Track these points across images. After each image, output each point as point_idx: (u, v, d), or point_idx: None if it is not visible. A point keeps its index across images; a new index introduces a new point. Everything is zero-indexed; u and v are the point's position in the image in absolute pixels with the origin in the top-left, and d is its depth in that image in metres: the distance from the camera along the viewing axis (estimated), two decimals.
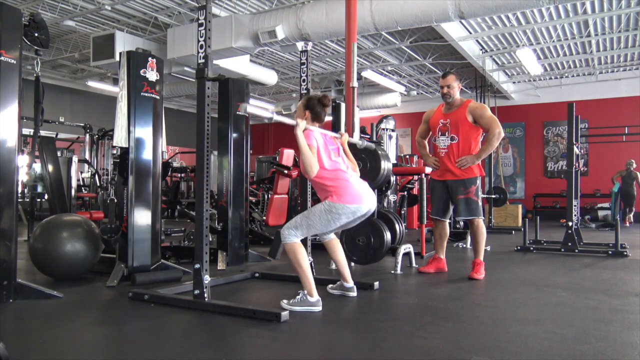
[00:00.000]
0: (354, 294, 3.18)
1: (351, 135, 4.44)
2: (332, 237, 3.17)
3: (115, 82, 7.99)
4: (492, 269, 4.34)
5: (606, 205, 11.08)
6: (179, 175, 10.84)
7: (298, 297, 2.83)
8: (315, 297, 2.82)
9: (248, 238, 4.72)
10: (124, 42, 7.67)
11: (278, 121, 2.77)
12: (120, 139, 3.62)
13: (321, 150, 2.92)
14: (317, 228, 2.92)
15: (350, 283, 3.21)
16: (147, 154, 3.72)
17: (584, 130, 10.08)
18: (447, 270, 4.22)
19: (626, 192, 10.24)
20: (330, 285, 3.31)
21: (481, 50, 9.71)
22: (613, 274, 4.16)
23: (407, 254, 4.44)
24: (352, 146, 3.43)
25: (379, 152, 4.08)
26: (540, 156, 12.61)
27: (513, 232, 8.22)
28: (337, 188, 2.87)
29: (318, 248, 3.54)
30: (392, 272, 4.14)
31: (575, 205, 5.64)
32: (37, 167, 6.63)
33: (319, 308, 2.80)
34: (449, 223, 4.37)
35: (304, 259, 2.87)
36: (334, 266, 4.40)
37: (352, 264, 4.34)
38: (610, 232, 7.33)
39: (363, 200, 2.90)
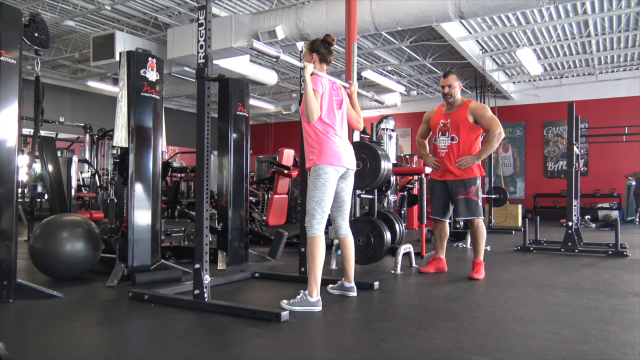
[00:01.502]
0: (354, 294, 3.18)
1: (351, 136, 4.45)
2: (346, 233, 3.17)
3: (115, 82, 7.99)
4: (492, 269, 4.34)
5: (606, 205, 11.08)
6: (179, 175, 10.84)
7: (298, 297, 2.82)
8: (316, 297, 2.82)
9: (248, 238, 4.72)
10: (124, 42, 7.67)
11: (285, 60, 2.81)
12: (120, 139, 3.62)
13: (324, 98, 2.96)
14: (326, 201, 2.93)
15: (351, 283, 3.20)
16: (147, 154, 3.72)
17: (584, 130, 10.09)
18: (447, 270, 4.22)
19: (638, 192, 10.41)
20: (330, 285, 3.31)
21: (481, 50, 9.71)
22: (613, 274, 4.16)
23: (407, 254, 4.44)
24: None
25: (379, 152, 4.08)
26: (540, 156, 12.61)
27: (513, 232, 8.22)
28: (320, 150, 2.92)
29: None
30: (392, 272, 4.14)
31: (575, 205, 5.63)
32: (37, 167, 6.63)
33: (319, 308, 2.80)
34: (449, 223, 4.37)
35: (320, 256, 2.87)
36: (334, 266, 4.40)
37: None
38: (610, 232, 7.34)
39: (342, 160, 2.96)
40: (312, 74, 2.91)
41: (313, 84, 2.90)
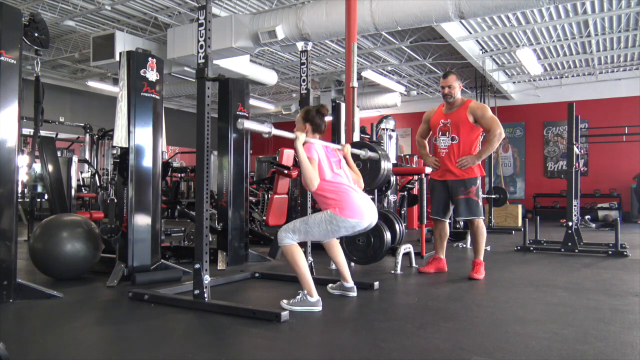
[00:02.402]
0: (354, 294, 3.18)
1: (352, 136, 4.45)
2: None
3: (115, 82, 7.99)
4: (492, 269, 4.34)
5: (606, 205, 11.08)
6: (179, 175, 10.84)
7: (298, 297, 2.83)
8: (315, 297, 2.82)
9: (248, 238, 4.72)
10: (124, 42, 7.67)
11: (277, 135, 2.76)
12: (120, 139, 3.62)
13: (322, 162, 2.91)
14: (315, 236, 2.91)
15: (350, 283, 3.21)
16: (147, 154, 3.72)
17: (584, 130, 10.09)
18: (447, 270, 4.22)
19: None
20: (330, 285, 3.31)
21: (481, 50, 9.71)
22: (613, 274, 4.16)
23: (407, 254, 4.44)
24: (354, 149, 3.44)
25: (379, 152, 4.08)
26: (540, 156, 12.61)
27: (513, 232, 8.22)
28: (339, 201, 2.85)
29: (318, 248, 3.54)
30: (392, 272, 4.14)
31: (575, 205, 5.63)
32: (37, 167, 6.63)
33: (319, 308, 2.80)
34: (449, 223, 4.37)
35: (302, 260, 2.87)
36: (334, 266, 4.40)
37: (352, 264, 4.34)
38: (610, 232, 7.34)
39: (364, 215, 2.88)
40: (304, 143, 2.86)
41: (307, 152, 2.85)
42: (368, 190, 4.23)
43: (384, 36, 8.82)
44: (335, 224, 2.84)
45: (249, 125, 2.59)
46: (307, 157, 2.83)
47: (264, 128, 2.67)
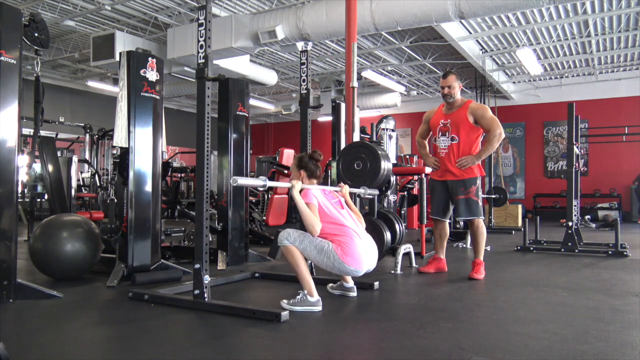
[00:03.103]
0: (354, 294, 3.18)
1: (352, 136, 4.45)
2: None
3: (115, 82, 7.99)
4: (492, 269, 4.34)
5: (606, 205, 11.08)
6: (179, 175, 10.83)
7: (298, 297, 2.83)
8: (316, 297, 2.82)
9: (248, 238, 4.72)
10: (124, 42, 7.66)
11: (272, 186, 2.82)
12: (120, 139, 3.62)
13: (323, 205, 2.92)
14: (310, 257, 2.90)
15: (350, 283, 3.21)
16: (147, 154, 3.72)
17: (584, 130, 10.09)
18: (447, 270, 4.22)
19: None
20: (330, 285, 3.32)
21: (481, 50, 9.71)
22: (613, 274, 4.16)
23: (407, 254, 4.44)
24: (353, 153, 3.44)
25: (379, 152, 4.08)
26: (540, 156, 12.61)
27: (513, 232, 8.22)
28: (343, 243, 2.84)
29: None
30: (392, 272, 4.14)
31: (575, 205, 5.63)
32: (37, 167, 6.63)
33: (319, 308, 2.80)
34: (449, 223, 4.37)
35: (302, 260, 2.87)
36: None
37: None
38: (610, 232, 7.34)
39: (363, 264, 2.88)
40: (301, 190, 2.86)
41: (306, 199, 2.85)
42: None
43: (384, 36, 8.82)
44: (332, 261, 2.83)
45: (242, 181, 2.55)
46: (306, 203, 2.84)
47: (259, 182, 2.64)
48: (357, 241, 2.88)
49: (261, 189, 2.67)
